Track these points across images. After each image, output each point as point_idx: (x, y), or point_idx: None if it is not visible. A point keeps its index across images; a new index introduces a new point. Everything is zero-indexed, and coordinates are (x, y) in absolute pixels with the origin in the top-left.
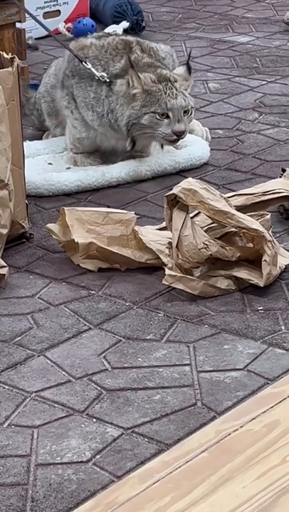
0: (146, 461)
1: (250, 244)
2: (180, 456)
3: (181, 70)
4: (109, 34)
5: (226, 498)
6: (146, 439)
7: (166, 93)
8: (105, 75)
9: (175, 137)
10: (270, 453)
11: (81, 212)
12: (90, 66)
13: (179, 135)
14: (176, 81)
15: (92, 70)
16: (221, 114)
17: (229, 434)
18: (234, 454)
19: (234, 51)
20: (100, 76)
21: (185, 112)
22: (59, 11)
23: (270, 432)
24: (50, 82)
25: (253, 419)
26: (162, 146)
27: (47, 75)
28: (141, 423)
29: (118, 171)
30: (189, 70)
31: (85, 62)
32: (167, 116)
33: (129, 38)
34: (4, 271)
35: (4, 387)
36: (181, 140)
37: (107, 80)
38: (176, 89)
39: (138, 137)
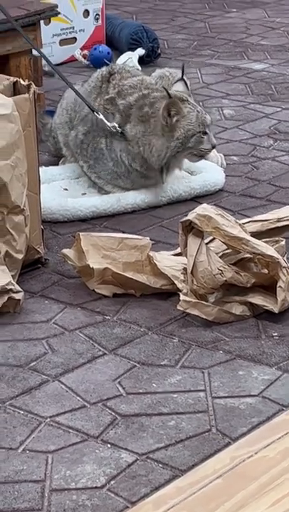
0: (160, 487)
1: (265, 270)
2: (194, 482)
3: (180, 86)
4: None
5: None
6: (160, 465)
7: (198, 111)
8: (116, 125)
9: (211, 150)
10: (284, 480)
11: (96, 238)
12: (101, 117)
13: (215, 147)
14: (188, 99)
15: (104, 120)
16: (236, 141)
17: (244, 461)
18: (248, 481)
19: (249, 78)
20: (112, 126)
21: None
22: (75, 38)
23: (285, 459)
24: (64, 119)
25: (268, 445)
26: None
27: (61, 107)
28: (155, 449)
29: (133, 197)
30: (186, 84)
31: (97, 113)
32: (205, 133)
33: (104, 70)
34: (20, 296)
35: (19, 412)
36: None
37: (120, 131)
38: (199, 106)
39: (173, 164)
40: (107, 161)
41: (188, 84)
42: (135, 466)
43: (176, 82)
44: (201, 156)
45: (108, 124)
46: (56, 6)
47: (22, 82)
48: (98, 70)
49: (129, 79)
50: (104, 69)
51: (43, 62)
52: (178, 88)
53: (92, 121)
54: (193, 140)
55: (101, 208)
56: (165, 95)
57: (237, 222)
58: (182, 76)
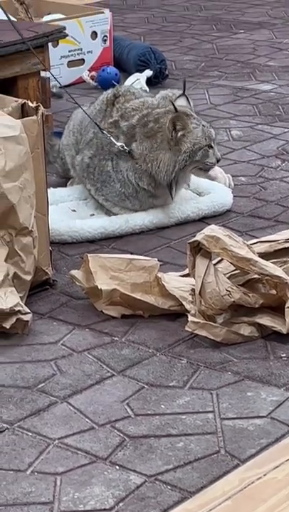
0: (169, 509)
1: (273, 291)
2: (203, 504)
3: (182, 101)
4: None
5: None
6: (169, 487)
7: (203, 125)
8: (123, 144)
9: (216, 164)
10: None
11: (104, 259)
12: (109, 135)
13: (219, 160)
14: (192, 114)
15: (112, 139)
16: (244, 162)
17: (253, 482)
18: (257, 503)
19: (257, 99)
20: (120, 146)
21: None
22: (83, 60)
23: None
24: (71, 140)
25: (277, 467)
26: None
27: (68, 128)
28: (164, 470)
29: (141, 218)
30: (188, 100)
31: (104, 131)
32: (211, 147)
33: (109, 93)
34: (28, 317)
35: (28, 434)
36: None
37: (127, 150)
38: (203, 121)
39: (181, 178)
40: (114, 183)
41: (190, 100)
42: (144, 488)
43: (178, 98)
44: (207, 170)
45: (116, 143)
46: (64, 28)
47: (30, 104)
48: (104, 92)
49: (132, 101)
50: (109, 91)
51: (51, 83)
52: (180, 103)
53: (97, 144)
54: (200, 153)
55: (109, 229)
56: (170, 109)
57: (245, 243)
58: (184, 91)
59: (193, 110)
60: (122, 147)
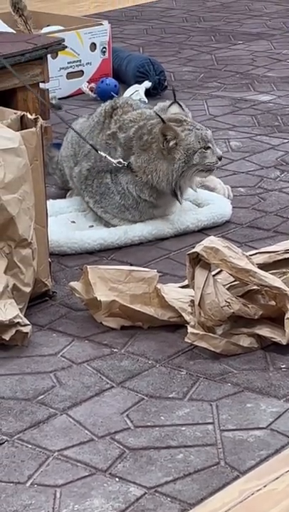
0: None
1: (273, 302)
2: None
3: (175, 109)
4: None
5: None
6: (169, 499)
7: (197, 128)
8: (121, 160)
9: (219, 162)
10: None
11: (104, 271)
12: (105, 155)
13: (221, 158)
14: (186, 119)
15: (108, 158)
16: (243, 172)
17: (252, 494)
18: None
19: (256, 110)
20: (118, 162)
21: None
22: (82, 72)
23: None
24: (69, 152)
25: (277, 478)
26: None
27: (66, 140)
28: (164, 482)
29: (140, 229)
30: (180, 106)
31: (99, 151)
32: (208, 148)
33: (107, 105)
34: (27, 329)
35: (27, 446)
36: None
37: (125, 164)
38: (197, 124)
39: (184, 183)
40: (114, 195)
41: (183, 106)
42: (144, 500)
43: (170, 106)
44: (209, 170)
45: (113, 161)
46: (63, 40)
47: (29, 115)
48: (102, 104)
49: (130, 113)
50: (107, 103)
51: (51, 95)
52: (174, 110)
53: (95, 156)
54: (196, 157)
55: (108, 241)
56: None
57: (244, 254)
58: (174, 98)
59: (187, 115)
60: (120, 163)
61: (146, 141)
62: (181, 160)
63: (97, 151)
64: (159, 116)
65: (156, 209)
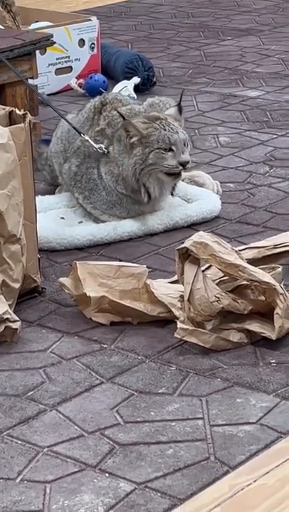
0: None
1: (262, 297)
2: (193, 511)
3: (172, 110)
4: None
5: None
6: (159, 494)
7: (165, 129)
8: (103, 146)
9: (181, 168)
10: (283, 508)
11: (93, 266)
12: (87, 138)
13: (185, 165)
14: (167, 118)
15: (91, 142)
16: (232, 168)
17: (242, 489)
18: (248, 509)
19: (244, 105)
20: (99, 148)
21: (184, 144)
22: (71, 68)
23: (284, 487)
24: (58, 148)
25: (267, 473)
26: (172, 193)
27: (55, 136)
28: (154, 478)
29: (130, 225)
30: (180, 110)
31: (83, 134)
32: (171, 150)
33: (96, 101)
34: (17, 325)
35: (17, 442)
36: (183, 172)
37: (106, 151)
38: (173, 124)
39: (148, 183)
40: (101, 191)
41: (181, 111)
42: (134, 496)
43: (171, 107)
44: (172, 174)
45: (95, 145)
46: (51, 36)
47: (18, 111)
48: (91, 100)
49: (119, 109)
50: (96, 99)
51: (39, 91)
52: (169, 112)
53: (84, 153)
54: (153, 156)
55: (98, 237)
56: (146, 115)
57: (233, 249)
58: (179, 102)
59: (174, 119)
60: (101, 149)
61: (120, 135)
62: (138, 156)
63: (80, 134)
64: (120, 114)
65: (142, 206)
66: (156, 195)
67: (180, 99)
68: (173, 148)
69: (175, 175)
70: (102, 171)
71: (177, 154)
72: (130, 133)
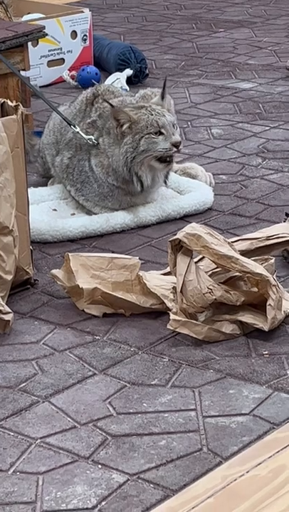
0: (151, 507)
1: (255, 289)
2: (186, 502)
3: (155, 99)
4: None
5: None
6: (151, 485)
7: (152, 114)
8: (93, 137)
9: (174, 149)
10: (276, 499)
11: (85, 258)
12: (78, 130)
13: (178, 146)
14: (151, 105)
15: (81, 133)
16: (225, 160)
17: (235, 480)
18: (240, 500)
19: (237, 97)
20: (89, 139)
21: (173, 126)
22: (63, 60)
23: (276, 478)
24: (51, 140)
25: (259, 464)
26: (166, 182)
27: (48, 128)
28: (146, 469)
29: (122, 217)
30: (162, 97)
31: (74, 126)
32: (161, 133)
33: (88, 92)
34: (9, 317)
35: (9, 434)
36: (177, 154)
37: (96, 143)
38: (159, 109)
39: (140, 171)
40: (92, 183)
41: (166, 97)
42: (126, 487)
43: (156, 96)
44: (166, 159)
45: (85, 137)
46: (44, 28)
47: (10, 103)
48: (84, 91)
49: (111, 100)
50: (89, 91)
51: (31, 83)
52: (153, 101)
53: (76, 145)
54: (144, 142)
55: (90, 228)
56: (135, 106)
57: (226, 241)
58: (163, 89)
59: (157, 104)
60: (91, 140)
61: (110, 125)
62: (128, 145)
63: (70, 124)
64: (108, 102)
65: (133, 197)
66: (149, 184)
67: (163, 87)
68: (162, 131)
69: (167, 161)
70: (92, 163)
71: (168, 136)
72: (121, 120)
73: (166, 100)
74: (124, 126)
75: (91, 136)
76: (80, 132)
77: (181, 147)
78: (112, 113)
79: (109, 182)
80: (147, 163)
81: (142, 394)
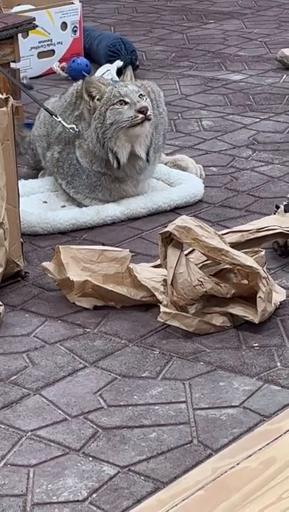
0: (142, 499)
1: (245, 281)
2: (176, 494)
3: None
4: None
5: None
6: (142, 478)
7: (115, 86)
8: (74, 126)
9: (141, 115)
10: (266, 490)
11: (76, 251)
12: (59, 119)
13: (144, 111)
14: (108, 80)
15: (62, 122)
16: (215, 152)
17: (225, 472)
18: (230, 492)
19: (227, 89)
20: (70, 128)
21: (140, 96)
22: (53, 51)
23: (267, 469)
24: (41, 131)
25: (249, 456)
26: (148, 160)
27: (38, 119)
28: (137, 461)
29: (113, 209)
30: (120, 72)
31: (56, 116)
32: (125, 103)
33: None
34: (0, 309)
35: (0, 427)
36: (147, 120)
37: (78, 130)
38: (123, 82)
39: (115, 146)
40: (81, 175)
41: (120, 73)
42: (117, 479)
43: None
44: (134, 125)
45: (66, 125)
46: (34, 19)
47: (0, 95)
48: (74, 84)
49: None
50: (79, 83)
51: (22, 74)
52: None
53: (65, 139)
54: (110, 114)
55: (81, 221)
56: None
57: (216, 233)
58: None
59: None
60: (73, 129)
61: (83, 105)
62: (96, 120)
63: (52, 115)
64: (82, 80)
65: (121, 183)
66: (125, 161)
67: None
68: (126, 99)
69: (140, 124)
70: (77, 154)
71: (132, 105)
72: (92, 92)
73: (128, 73)
74: (96, 99)
75: (73, 125)
76: (62, 121)
77: (149, 113)
78: (84, 85)
79: (95, 170)
80: (121, 137)
81: (132, 386)
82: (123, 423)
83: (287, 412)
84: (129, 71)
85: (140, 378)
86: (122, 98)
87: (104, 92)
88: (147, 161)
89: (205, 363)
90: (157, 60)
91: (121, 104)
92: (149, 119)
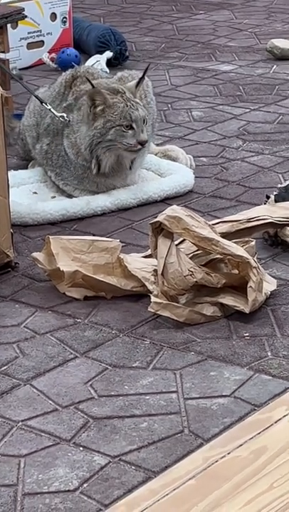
0: (133, 489)
1: (236, 271)
2: (167, 483)
3: (131, 83)
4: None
5: None
6: (133, 467)
7: (127, 105)
8: (65, 115)
9: (139, 146)
10: (257, 479)
11: (66, 241)
12: (49, 107)
13: (143, 144)
14: (125, 92)
15: (52, 110)
16: (205, 142)
17: (216, 461)
18: (221, 481)
19: (217, 79)
20: (60, 116)
21: (143, 122)
22: (43, 42)
23: (258, 459)
24: (31, 121)
25: (241, 445)
26: (130, 168)
27: (28, 109)
28: (128, 451)
29: (103, 199)
30: (138, 84)
31: (46, 104)
32: (131, 128)
33: (68, 74)
34: None
35: None
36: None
37: (68, 120)
38: (133, 100)
39: (102, 156)
40: (69, 166)
41: (143, 83)
42: (108, 469)
43: (133, 81)
44: (131, 151)
45: (56, 114)
46: (23, 10)
47: None
48: (63, 73)
49: (87, 83)
50: (68, 72)
51: (11, 65)
52: (129, 85)
53: (54, 131)
54: (113, 132)
55: (71, 211)
56: (110, 87)
57: (207, 223)
58: (143, 75)
59: (130, 91)
60: (62, 117)
61: (81, 103)
62: (98, 130)
63: (41, 102)
64: (89, 82)
65: (108, 179)
66: (106, 171)
67: (144, 73)
68: (133, 125)
69: (135, 151)
70: (65, 145)
71: (137, 133)
72: (96, 101)
73: (140, 88)
74: (98, 108)
75: (63, 114)
76: (52, 110)
77: (146, 145)
78: (89, 93)
79: (80, 163)
80: (112, 152)
81: (123, 376)
82: (114, 413)
83: (277, 401)
84: (146, 78)
85: (131, 368)
86: (131, 123)
87: (112, 105)
88: (130, 168)
89: (196, 353)
90: (147, 51)
91: (127, 127)
92: (144, 147)
